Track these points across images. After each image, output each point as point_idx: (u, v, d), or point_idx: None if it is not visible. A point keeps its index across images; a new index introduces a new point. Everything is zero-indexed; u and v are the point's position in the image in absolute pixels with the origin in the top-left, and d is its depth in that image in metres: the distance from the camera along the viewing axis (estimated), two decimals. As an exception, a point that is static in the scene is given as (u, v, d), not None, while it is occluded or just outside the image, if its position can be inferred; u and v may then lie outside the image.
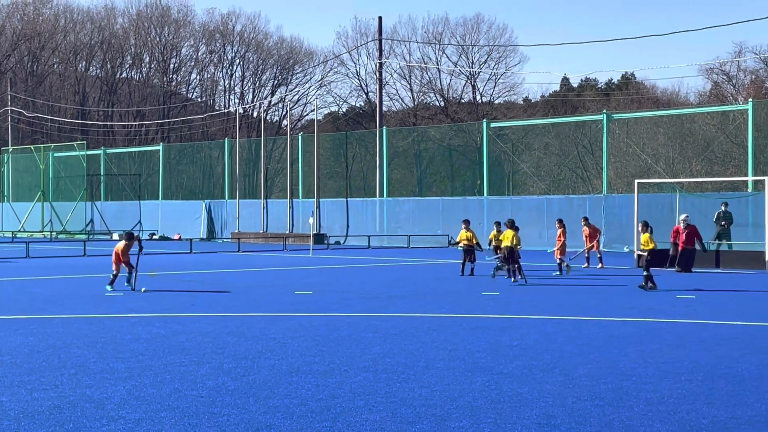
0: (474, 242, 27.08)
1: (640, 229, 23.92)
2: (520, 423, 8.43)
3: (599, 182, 49.42)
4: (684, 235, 28.74)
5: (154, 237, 58.06)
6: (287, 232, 53.05)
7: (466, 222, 27.78)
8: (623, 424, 8.40)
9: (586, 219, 32.13)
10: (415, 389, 9.92)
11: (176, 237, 57.10)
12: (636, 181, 33.83)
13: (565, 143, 58.56)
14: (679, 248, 28.68)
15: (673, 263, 28.56)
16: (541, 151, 59.77)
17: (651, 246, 22.97)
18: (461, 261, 27.04)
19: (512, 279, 24.04)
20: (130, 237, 22.72)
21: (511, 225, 25.21)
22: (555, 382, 10.31)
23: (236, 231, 55.22)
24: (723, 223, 34.91)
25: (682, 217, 29.65)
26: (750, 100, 44.35)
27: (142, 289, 21.62)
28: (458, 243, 27.42)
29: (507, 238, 24.60)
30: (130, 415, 8.71)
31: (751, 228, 36.06)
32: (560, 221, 29.13)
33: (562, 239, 28.10)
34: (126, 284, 21.92)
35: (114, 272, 22.01)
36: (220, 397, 9.53)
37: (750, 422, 8.46)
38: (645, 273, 22.38)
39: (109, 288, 21.67)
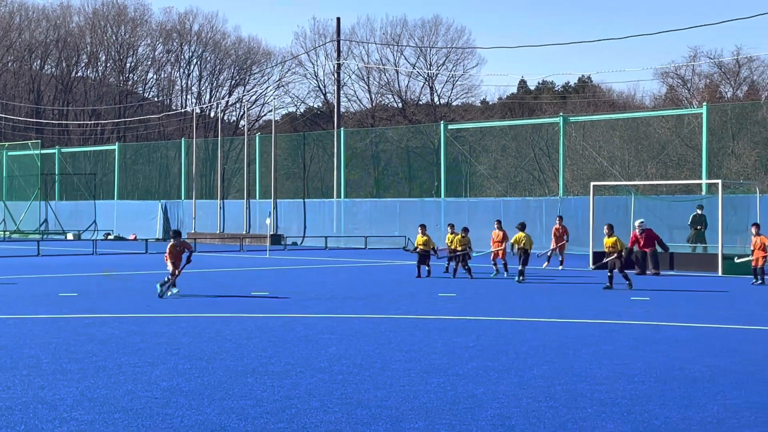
0: (431, 246, 27.20)
1: (605, 232, 23.98)
2: (475, 424, 8.45)
3: (555, 184, 49.71)
4: (642, 239, 28.91)
5: (109, 237, 57.59)
6: (244, 232, 52.86)
7: (422, 227, 27.86)
8: (577, 425, 8.45)
9: (560, 218, 32.18)
10: (371, 390, 9.92)
11: (131, 237, 56.69)
12: (592, 183, 34.04)
13: (522, 145, 58.88)
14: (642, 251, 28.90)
15: (631, 267, 28.69)
16: (498, 153, 60.05)
17: (619, 247, 23.31)
18: (417, 263, 27.11)
19: (520, 278, 25.35)
20: (176, 234, 21.21)
21: (522, 227, 26.65)
22: (510, 383, 10.35)
23: (192, 231, 54.93)
24: (698, 227, 34.97)
25: (637, 222, 29.77)
26: (704, 103, 44.81)
27: (174, 292, 20.35)
28: (416, 248, 27.53)
29: (519, 240, 26.01)
30: (82, 417, 8.64)
31: (706, 231, 36.37)
32: (499, 222, 29.50)
33: (503, 242, 28.34)
34: (159, 288, 20.22)
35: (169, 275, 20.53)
36: (174, 398, 9.47)
37: (702, 423, 8.54)
38: (610, 273, 23.09)
39: (173, 290, 20.43)
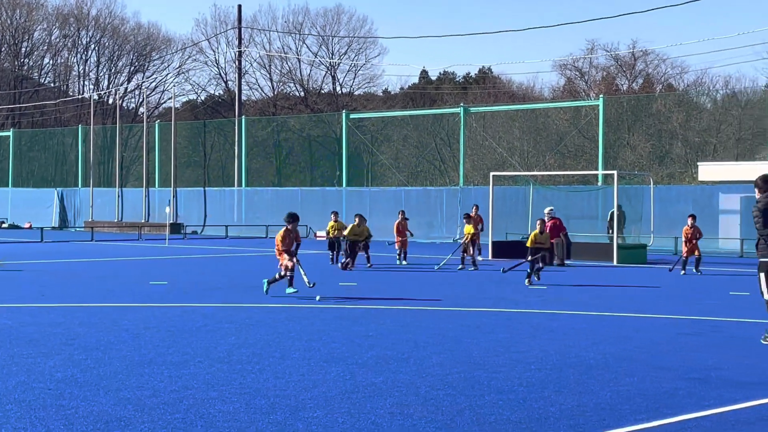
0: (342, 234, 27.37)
1: (539, 227, 22.80)
2: (374, 412, 8.48)
3: (456, 174, 50.12)
4: (548, 227, 28.79)
5: (4, 225, 56.32)
6: (143, 221, 52.17)
7: (335, 213, 28.30)
8: (474, 412, 8.54)
9: (476, 207, 31.88)
10: (270, 380, 9.88)
11: (27, 225, 55.54)
12: (491, 173, 34.40)
13: (424, 135, 59.26)
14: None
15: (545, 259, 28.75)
16: (400, 143, 60.34)
17: (547, 245, 22.59)
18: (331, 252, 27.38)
19: (473, 267, 26.24)
20: (292, 219, 18.15)
21: (468, 218, 27.74)
22: (409, 372, 10.42)
23: (90, 220, 54.03)
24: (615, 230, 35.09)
25: (547, 210, 29.85)
26: (601, 96, 45.64)
27: (317, 297, 17.69)
28: (328, 233, 27.92)
29: (468, 230, 27.00)
30: (-27, 409, 8.43)
31: (601, 221, 37.10)
32: (403, 212, 29.89)
33: (406, 232, 28.81)
34: (267, 287, 18.21)
35: (283, 271, 18.13)
36: (68, 389, 9.31)
37: (596, 409, 8.71)
38: (539, 266, 21.97)
39: (289, 290, 18.02)
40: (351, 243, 26.46)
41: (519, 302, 17.85)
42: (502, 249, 31.20)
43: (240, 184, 52.80)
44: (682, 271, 25.27)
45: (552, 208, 30.10)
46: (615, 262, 29.18)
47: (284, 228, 18.16)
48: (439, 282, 22.48)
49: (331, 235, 27.99)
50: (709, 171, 44.49)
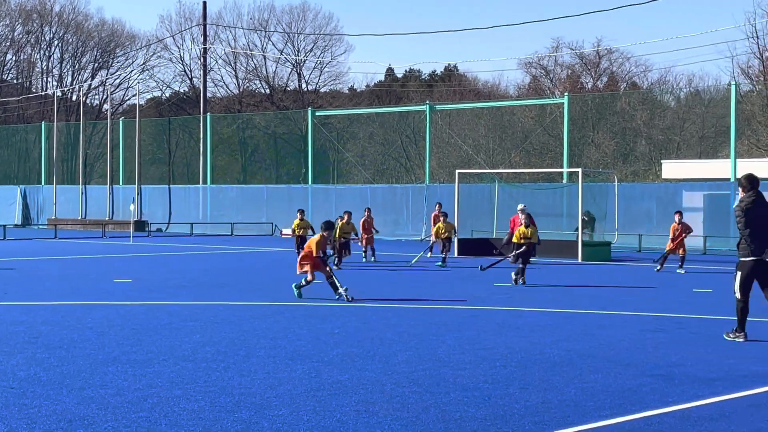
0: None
1: (524, 221, 22.19)
2: (339, 410, 8.48)
3: (422, 172, 50.21)
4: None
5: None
6: (107, 218, 51.84)
7: (301, 211, 28.40)
8: (440, 409, 8.55)
9: (439, 205, 31.67)
10: (235, 378, 9.85)
11: (-11, 223, 55.04)
12: (457, 171, 34.47)
13: (389, 133, 59.32)
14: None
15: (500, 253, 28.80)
16: (366, 141, 60.36)
17: (534, 239, 21.84)
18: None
19: (442, 264, 26.25)
20: (329, 226, 18.42)
21: (446, 216, 28.16)
22: (374, 369, 10.41)
23: (53, 217, 53.61)
24: (586, 229, 35.27)
25: (519, 207, 29.71)
26: (566, 94, 45.84)
27: (350, 298, 17.31)
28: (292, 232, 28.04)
29: (441, 228, 27.34)
30: (-66, 409, 8.34)
31: (566, 218, 37.28)
32: (368, 209, 30.00)
33: (372, 229, 28.93)
34: (338, 295, 17.47)
35: (308, 277, 17.79)
36: (31, 388, 9.23)
37: (560, 406, 8.75)
38: (521, 266, 21.10)
39: (297, 293, 17.75)
40: (342, 242, 26.06)
41: (485, 299, 17.90)
42: (468, 247, 31.34)
43: (205, 182, 52.59)
44: (658, 267, 25.31)
45: (524, 205, 30.04)
46: (580, 260, 29.31)
47: (320, 234, 18.07)
48: (405, 280, 22.50)
49: (297, 233, 27.90)
50: (672, 169, 44.90)
